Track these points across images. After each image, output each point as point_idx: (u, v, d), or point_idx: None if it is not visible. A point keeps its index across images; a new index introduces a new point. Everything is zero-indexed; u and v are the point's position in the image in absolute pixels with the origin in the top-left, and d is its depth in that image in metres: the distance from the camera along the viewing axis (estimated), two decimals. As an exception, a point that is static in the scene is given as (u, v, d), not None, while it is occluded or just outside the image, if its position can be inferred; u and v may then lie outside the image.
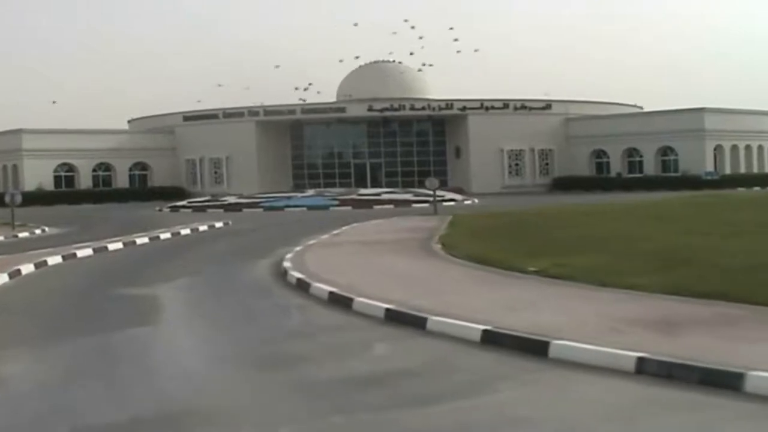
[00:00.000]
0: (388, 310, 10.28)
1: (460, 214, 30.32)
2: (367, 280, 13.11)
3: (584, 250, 15.22)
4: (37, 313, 11.92)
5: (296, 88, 67.78)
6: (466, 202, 45.44)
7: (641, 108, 70.67)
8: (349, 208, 43.23)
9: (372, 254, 17.29)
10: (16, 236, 28.14)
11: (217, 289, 13.64)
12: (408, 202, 45.85)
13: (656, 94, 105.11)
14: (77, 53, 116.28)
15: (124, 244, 22.56)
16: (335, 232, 24.49)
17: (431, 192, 52.67)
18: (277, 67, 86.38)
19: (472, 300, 10.75)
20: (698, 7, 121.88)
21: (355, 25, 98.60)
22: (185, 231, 27.25)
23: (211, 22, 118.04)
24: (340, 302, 11.43)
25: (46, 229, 31.46)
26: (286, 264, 15.64)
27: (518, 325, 8.89)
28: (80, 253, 19.96)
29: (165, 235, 25.46)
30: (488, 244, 17.55)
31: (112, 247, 21.76)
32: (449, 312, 9.77)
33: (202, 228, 28.78)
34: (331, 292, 11.92)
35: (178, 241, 24.56)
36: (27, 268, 16.71)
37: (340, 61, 71.31)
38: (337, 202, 45.66)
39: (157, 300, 12.43)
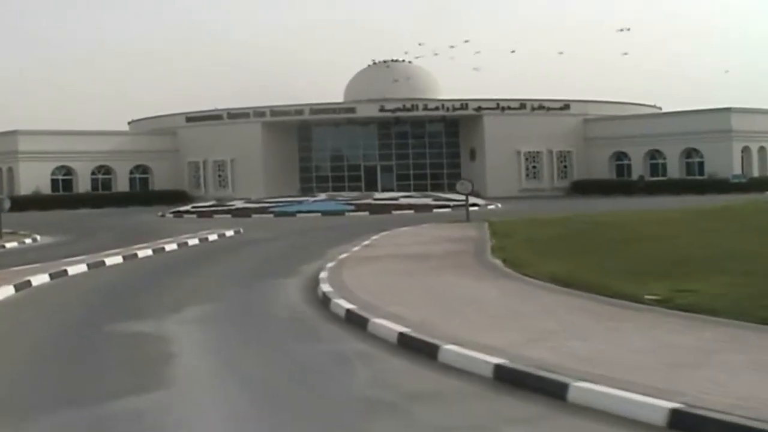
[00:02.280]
0: (499, 367, 7.25)
1: (495, 221, 27.23)
2: (440, 312, 10.08)
3: (696, 270, 12.21)
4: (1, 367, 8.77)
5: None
6: (490, 207, 42.48)
7: (660, 108, 67.86)
8: (366, 213, 40.27)
9: (426, 273, 14.21)
10: (3, 247, 25.08)
11: (244, 325, 10.55)
12: (428, 207, 42.92)
13: (657, 95, 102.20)
14: (76, 53, 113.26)
15: (124, 257, 19.51)
16: (365, 242, 21.45)
17: (449, 196, 50.30)
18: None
19: (608, 349, 7.71)
20: (703, 8, 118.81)
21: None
22: (193, 241, 24.19)
23: (214, 22, 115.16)
24: (416, 349, 8.39)
25: (38, 238, 28.49)
26: (325, 287, 12.60)
27: (715, 400, 5.89)
28: (72, 270, 16.89)
29: (170, 247, 22.38)
30: (564, 260, 14.50)
31: (110, 261, 18.71)
32: (590, 371, 6.78)
33: (212, 237, 25.72)
34: (401, 334, 8.87)
35: (186, 253, 21.47)
36: (5, 291, 13.65)
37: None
38: (352, 207, 42.64)
39: (167, 343, 9.35)
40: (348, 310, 10.55)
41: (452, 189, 60.18)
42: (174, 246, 22.56)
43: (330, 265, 15.95)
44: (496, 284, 12.38)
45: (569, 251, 16.10)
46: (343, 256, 17.82)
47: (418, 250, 18.46)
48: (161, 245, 22.33)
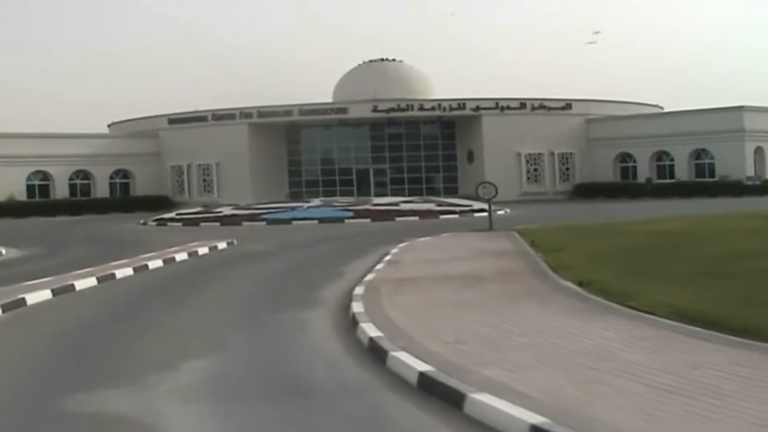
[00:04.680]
0: None
1: (524, 229, 23.92)
2: (568, 378, 6.67)
3: None
4: None
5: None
6: (499, 213, 39.22)
7: (661, 108, 65.10)
8: (368, 220, 36.80)
9: (494, 305, 10.76)
10: (-41, 264, 21.58)
11: (269, 403, 6.98)
12: (433, 213, 39.52)
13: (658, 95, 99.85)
14: (55, 54, 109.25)
15: (99, 279, 15.97)
16: (387, 257, 18.05)
17: (452, 201, 47.00)
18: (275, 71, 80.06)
19: None
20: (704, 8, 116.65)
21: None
22: (181, 255, 20.66)
23: (198, 21, 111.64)
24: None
25: (3, 251, 24.94)
26: (370, 330, 9.14)
27: None
28: (32, 298, 13.37)
29: (155, 264, 18.83)
30: (668, 285, 11.19)
31: (81, 284, 15.18)
32: None
33: (202, 251, 22.17)
34: (538, 429, 5.51)
35: (173, 272, 17.91)
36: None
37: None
38: (351, 214, 39.15)
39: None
40: (422, 374, 7.16)
41: (449, 193, 57.51)
42: (159, 263, 19.06)
43: (358, 291, 12.58)
44: (608, 324, 8.98)
45: (665, 272, 12.69)
46: (370, 277, 14.42)
47: (459, 268, 15.05)
48: (144, 262, 18.84)
